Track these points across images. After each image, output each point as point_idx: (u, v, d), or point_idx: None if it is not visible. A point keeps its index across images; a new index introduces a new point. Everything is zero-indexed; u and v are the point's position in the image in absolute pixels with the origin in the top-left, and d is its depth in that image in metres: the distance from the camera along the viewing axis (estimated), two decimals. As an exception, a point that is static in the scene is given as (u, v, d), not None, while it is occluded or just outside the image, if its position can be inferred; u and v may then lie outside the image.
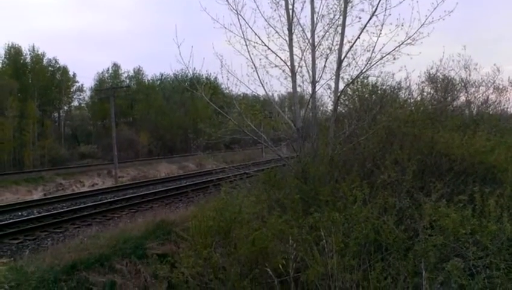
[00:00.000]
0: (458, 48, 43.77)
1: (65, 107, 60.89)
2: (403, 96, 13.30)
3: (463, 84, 17.98)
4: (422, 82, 16.17)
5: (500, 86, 18.36)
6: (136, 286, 8.74)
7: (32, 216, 16.80)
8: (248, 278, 7.17)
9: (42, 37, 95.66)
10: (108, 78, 60.90)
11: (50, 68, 54.99)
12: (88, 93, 61.88)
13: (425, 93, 14.62)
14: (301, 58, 11.08)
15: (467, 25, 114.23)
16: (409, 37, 9.92)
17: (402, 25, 9.86)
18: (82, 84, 60.84)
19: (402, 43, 10.05)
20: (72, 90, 59.62)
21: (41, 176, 34.06)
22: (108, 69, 62.07)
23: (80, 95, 61.99)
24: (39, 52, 52.75)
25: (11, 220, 15.84)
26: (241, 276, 7.35)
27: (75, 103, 63.27)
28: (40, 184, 32.33)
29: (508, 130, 13.65)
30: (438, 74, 16.27)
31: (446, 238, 6.50)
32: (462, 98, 17.98)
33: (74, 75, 58.42)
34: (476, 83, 18.27)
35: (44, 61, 53.95)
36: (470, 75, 18.26)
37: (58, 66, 55.70)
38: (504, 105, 18.94)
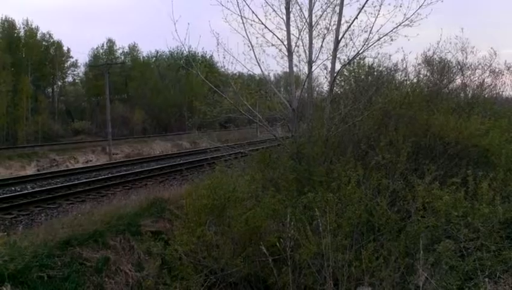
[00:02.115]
0: (456, 31, 43.58)
1: (59, 83, 60.15)
2: (399, 78, 13.28)
3: (459, 67, 17.87)
4: (419, 64, 16.10)
5: (496, 70, 18.29)
6: (130, 262, 8.78)
7: (26, 191, 16.75)
8: (241, 257, 7.25)
9: (36, 11, 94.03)
10: (103, 54, 59.86)
11: (44, 43, 53.96)
12: (82, 69, 61.06)
13: (421, 76, 14.62)
14: (298, 38, 10.99)
15: (465, 7, 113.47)
16: (407, 19, 9.89)
17: (400, 6, 9.82)
18: (76, 60, 59.84)
19: (400, 25, 10.02)
20: (66, 65, 58.70)
21: (34, 152, 33.85)
22: (103, 45, 61.02)
23: (74, 70, 61.17)
24: (33, 26, 51.87)
25: (4, 195, 15.81)
26: (234, 254, 7.43)
27: (69, 79, 62.52)
28: (34, 160, 32.15)
29: (502, 114, 13.68)
30: (435, 56, 16.21)
31: (438, 220, 6.57)
32: (458, 81, 17.88)
33: (68, 50, 57.42)
34: (472, 66, 18.14)
35: (38, 35, 52.97)
36: (466, 58, 18.12)
37: (52, 40, 54.72)
38: (499, 89, 18.92)
